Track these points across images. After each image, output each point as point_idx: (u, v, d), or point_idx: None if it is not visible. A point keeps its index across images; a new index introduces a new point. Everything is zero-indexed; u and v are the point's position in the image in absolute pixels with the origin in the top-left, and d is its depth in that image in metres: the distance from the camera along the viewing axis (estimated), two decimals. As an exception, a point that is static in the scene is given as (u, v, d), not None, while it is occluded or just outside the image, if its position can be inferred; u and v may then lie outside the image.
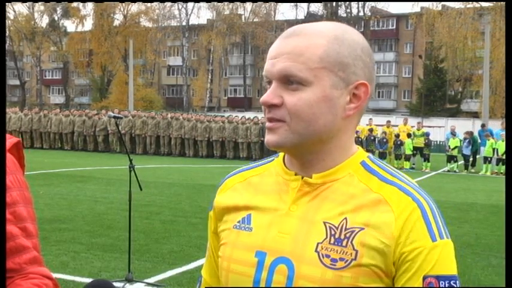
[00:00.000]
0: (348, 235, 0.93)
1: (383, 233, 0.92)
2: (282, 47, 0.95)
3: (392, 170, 1.01)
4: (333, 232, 0.94)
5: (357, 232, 0.93)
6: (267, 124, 0.96)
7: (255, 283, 0.97)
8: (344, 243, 0.93)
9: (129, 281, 4.72)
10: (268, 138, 0.96)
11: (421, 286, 0.92)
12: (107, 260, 5.51)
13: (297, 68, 0.93)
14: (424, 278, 0.92)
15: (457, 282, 0.94)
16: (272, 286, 0.95)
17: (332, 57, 0.94)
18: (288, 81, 0.94)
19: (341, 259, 0.92)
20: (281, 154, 1.05)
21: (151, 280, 4.92)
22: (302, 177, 0.99)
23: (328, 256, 0.93)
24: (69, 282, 4.73)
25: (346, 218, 0.94)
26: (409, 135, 19.25)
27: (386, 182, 0.97)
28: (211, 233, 1.11)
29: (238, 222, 1.02)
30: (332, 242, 0.94)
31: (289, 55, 0.94)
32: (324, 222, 0.95)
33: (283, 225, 0.97)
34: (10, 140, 1.20)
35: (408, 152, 19.02)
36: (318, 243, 0.94)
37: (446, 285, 0.92)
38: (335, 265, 0.92)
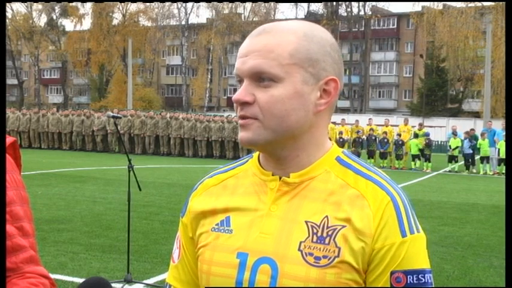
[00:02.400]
0: (330, 233, 0.94)
1: (362, 231, 0.93)
2: (253, 45, 0.96)
3: (367, 164, 1.03)
4: (315, 231, 0.95)
5: (339, 230, 0.94)
6: (240, 121, 0.97)
7: (237, 284, 0.97)
8: (327, 240, 0.94)
9: (128, 281, 4.69)
10: (242, 135, 0.97)
11: (389, 283, 0.93)
12: (105, 260, 5.47)
13: (268, 65, 0.94)
14: (392, 273, 0.93)
15: (427, 276, 0.95)
16: (256, 286, 0.96)
17: (302, 53, 0.95)
18: (259, 78, 0.95)
19: (324, 257, 0.93)
20: (256, 155, 1.06)
21: (151, 281, 4.89)
22: (280, 177, 0.99)
23: (311, 254, 0.94)
24: (67, 283, 4.70)
25: (327, 216, 0.95)
26: (415, 136, 19.26)
27: (361, 176, 0.98)
28: (186, 239, 1.09)
29: (217, 225, 1.02)
30: (315, 240, 0.95)
31: (259, 52, 0.95)
32: (306, 222, 0.96)
33: (265, 226, 0.98)
34: (6, 140, 1.20)
35: (414, 152, 18.99)
36: (300, 242, 0.95)
37: (415, 280, 0.94)
38: (319, 263, 0.93)
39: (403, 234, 0.94)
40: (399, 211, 0.95)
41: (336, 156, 1.01)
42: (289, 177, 0.99)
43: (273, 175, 1.00)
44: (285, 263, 0.94)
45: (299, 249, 0.94)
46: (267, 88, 0.94)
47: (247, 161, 1.08)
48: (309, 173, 0.99)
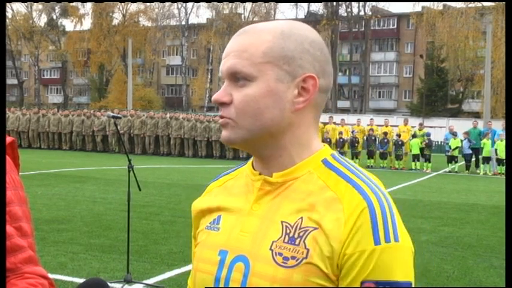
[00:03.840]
0: (301, 234, 0.94)
1: (332, 235, 0.91)
2: (231, 46, 0.98)
3: (354, 168, 0.99)
4: (288, 231, 0.95)
5: (310, 231, 0.93)
6: (220, 120, 0.99)
7: (215, 280, 0.98)
8: (297, 241, 0.93)
9: (128, 282, 4.69)
10: (222, 134, 0.99)
11: None
12: (105, 260, 5.47)
13: (241, 64, 0.95)
14: (362, 283, 0.89)
15: None
16: (230, 283, 0.97)
17: (276, 51, 0.95)
18: (236, 78, 0.96)
19: (292, 257, 0.93)
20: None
21: (150, 281, 4.88)
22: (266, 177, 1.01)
23: (280, 254, 0.94)
24: (67, 283, 4.69)
25: (302, 218, 0.95)
26: (414, 136, 19.26)
27: (343, 178, 0.96)
28: (193, 239, 1.12)
29: (210, 223, 1.05)
30: (286, 240, 0.94)
31: (236, 53, 0.96)
32: (282, 222, 0.96)
33: (245, 224, 0.99)
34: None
35: (415, 151, 18.99)
36: (273, 242, 0.95)
37: None
38: (286, 263, 0.93)
39: (376, 242, 0.89)
40: (375, 218, 0.90)
41: (322, 158, 0.99)
42: (271, 176, 0.99)
43: (260, 175, 1.01)
44: (256, 261, 0.95)
45: (270, 249, 0.94)
46: (242, 88, 0.96)
47: (246, 162, 1.09)
48: (292, 173, 0.98)
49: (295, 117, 0.97)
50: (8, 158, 1.19)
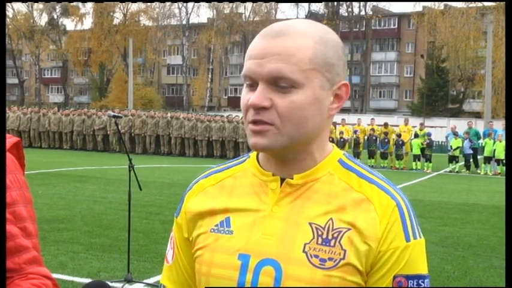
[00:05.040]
0: (335, 235, 0.95)
1: (368, 235, 0.94)
2: (270, 47, 0.93)
3: (368, 167, 1.04)
4: (320, 232, 0.95)
5: (344, 232, 0.95)
6: (253, 127, 0.94)
7: (239, 285, 0.96)
8: (332, 243, 0.94)
9: (129, 281, 4.69)
10: (257, 140, 0.94)
11: (391, 285, 0.94)
12: (106, 260, 5.47)
13: (289, 70, 0.92)
14: (394, 277, 0.95)
15: (426, 281, 0.97)
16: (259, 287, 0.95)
17: (320, 58, 0.94)
18: (278, 82, 0.93)
19: (330, 259, 0.94)
20: (253, 154, 1.05)
21: (151, 280, 4.89)
22: (282, 178, 0.99)
23: (316, 256, 0.94)
24: (68, 283, 4.69)
25: (331, 219, 0.95)
26: (416, 135, 19.26)
27: (365, 179, 0.99)
28: (180, 240, 1.07)
29: (216, 226, 1.01)
30: (320, 242, 0.94)
31: (280, 56, 0.92)
32: (310, 223, 0.96)
33: (267, 227, 0.97)
34: (10, 140, 1.19)
35: (416, 151, 18.99)
36: (305, 244, 0.95)
37: (415, 284, 0.95)
38: (324, 265, 0.93)
39: (407, 239, 0.95)
40: (404, 216, 0.96)
41: (338, 159, 1.01)
42: (292, 178, 0.98)
43: (273, 175, 0.99)
44: (289, 264, 0.94)
45: (304, 251, 0.94)
46: (286, 93, 0.92)
47: (244, 160, 1.07)
48: (312, 175, 0.98)
49: (326, 122, 0.99)
50: (13, 158, 1.18)
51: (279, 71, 0.92)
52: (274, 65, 0.92)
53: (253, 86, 0.95)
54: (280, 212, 0.97)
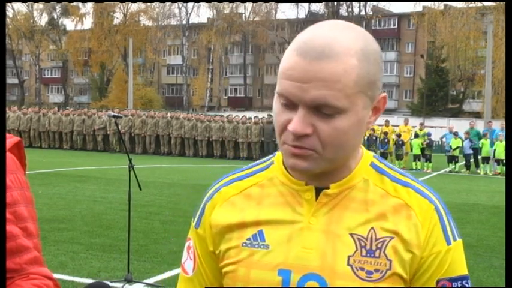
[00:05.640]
0: (379, 245, 0.92)
1: (412, 242, 0.93)
2: (314, 72, 0.86)
3: (398, 168, 1.03)
4: (362, 244, 0.93)
5: (388, 242, 0.93)
6: (293, 150, 0.90)
7: None
8: (377, 253, 0.92)
9: (129, 281, 4.69)
10: (297, 163, 0.90)
11: None
12: (106, 260, 5.47)
13: (335, 97, 0.87)
14: (438, 281, 0.94)
15: (469, 281, 0.96)
16: None
17: (364, 78, 0.89)
18: (321, 109, 0.88)
19: (376, 270, 0.92)
20: (278, 159, 1.00)
21: (151, 280, 4.88)
22: (315, 188, 0.95)
23: (362, 269, 0.92)
24: (68, 283, 4.69)
25: (373, 228, 0.93)
26: (416, 136, 19.26)
27: (399, 183, 0.97)
28: (202, 252, 1.03)
29: (249, 239, 0.96)
30: (364, 254, 0.92)
31: (324, 82, 0.86)
32: (351, 234, 0.93)
33: (306, 240, 0.94)
34: (11, 140, 1.18)
35: (416, 151, 18.99)
36: (349, 256, 0.92)
37: (459, 285, 0.95)
38: (371, 277, 0.91)
39: (448, 242, 0.94)
40: (443, 219, 0.95)
41: (370, 162, 0.99)
42: (328, 188, 0.95)
43: (306, 185, 0.95)
44: (334, 279, 0.91)
45: (348, 264, 0.91)
46: (329, 119, 0.88)
47: (268, 166, 1.02)
48: (347, 183, 0.96)
49: (363, 134, 0.96)
50: (14, 158, 1.18)
51: (323, 98, 0.86)
52: (319, 92, 0.86)
53: (289, 106, 0.89)
54: (318, 223, 0.94)
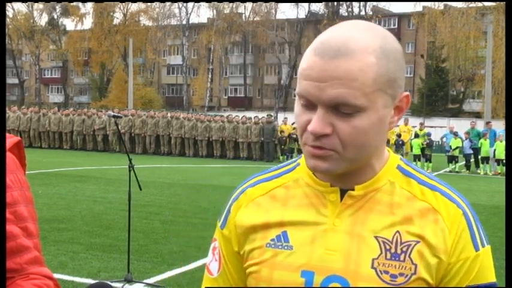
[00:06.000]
0: (404, 249, 0.91)
1: (439, 247, 0.91)
2: (331, 70, 0.86)
3: (426, 171, 1.01)
4: (387, 247, 0.91)
5: (414, 246, 0.91)
6: (313, 150, 0.90)
7: None
8: (402, 257, 0.91)
9: (129, 281, 4.69)
10: (317, 164, 0.90)
11: None
12: (106, 260, 5.47)
13: (353, 96, 0.86)
14: None
15: None
16: None
17: (383, 76, 0.88)
18: (340, 108, 0.87)
19: (401, 274, 0.90)
20: (304, 161, 0.99)
21: (151, 280, 4.88)
22: (341, 189, 0.95)
23: (387, 272, 0.90)
24: (68, 283, 4.69)
25: (398, 231, 0.92)
26: (416, 136, 19.26)
27: (427, 187, 0.95)
28: (227, 253, 1.02)
29: (273, 240, 0.96)
30: (388, 257, 0.91)
31: (341, 81, 0.86)
32: (376, 237, 0.92)
33: (330, 242, 0.93)
34: (11, 139, 1.18)
35: (416, 152, 18.99)
36: (373, 259, 0.91)
37: None
38: (395, 281, 0.90)
39: (477, 248, 0.93)
40: (471, 224, 0.93)
41: (396, 165, 0.97)
42: (353, 189, 0.94)
43: (331, 186, 0.95)
44: (358, 281, 0.90)
45: (372, 267, 0.90)
46: (349, 118, 0.87)
47: (294, 168, 1.02)
48: (373, 185, 0.94)
49: (386, 134, 0.94)
50: (14, 158, 1.18)
51: (341, 97, 0.86)
52: (336, 90, 0.86)
53: (309, 107, 0.89)
54: (342, 225, 0.93)
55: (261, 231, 0.97)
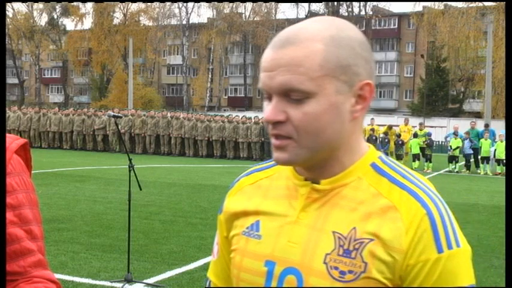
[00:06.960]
0: (357, 246, 0.89)
1: (392, 246, 0.88)
2: (278, 59, 0.89)
3: (405, 171, 0.96)
4: (341, 243, 0.91)
5: (366, 243, 0.89)
6: (274, 141, 0.92)
7: None
8: (353, 254, 0.89)
9: (129, 281, 4.69)
10: (278, 156, 0.92)
11: None
12: (106, 260, 5.47)
13: (298, 80, 0.88)
14: None
15: None
16: None
17: (332, 62, 0.89)
18: (290, 95, 0.89)
19: (350, 271, 0.89)
20: None
21: (151, 280, 4.88)
22: (313, 183, 0.95)
23: (336, 268, 0.90)
24: (68, 283, 4.69)
25: (355, 228, 0.90)
26: (415, 135, 19.27)
27: (396, 185, 0.92)
28: (222, 238, 1.07)
29: (247, 228, 0.99)
30: (341, 253, 0.90)
31: (287, 67, 0.88)
32: (333, 232, 0.92)
33: (293, 234, 0.94)
34: (17, 141, 1.18)
35: (415, 151, 18.99)
36: (326, 255, 0.91)
37: None
38: (343, 278, 0.89)
39: (440, 250, 0.87)
40: (435, 225, 0.88)
41: (371, 162, 0.95)
42: (319, 183, 0.94)
43: (305, 180, 0.96)
44: (310, 275, 0.91)
45: (324, 262, 0.90)
46: (299, 104, 0.89)
47: None
48: (340, 180, 0.94)
49: (352, 125, 0.93)
50: (20, 160, 1.17)
51: (288, 83, 0.88)
52: (283, 77, 0.88)
53: (269, 98, 0.92)
54: (306, 218, 0.94)
55: (242, 219, 1.01)
